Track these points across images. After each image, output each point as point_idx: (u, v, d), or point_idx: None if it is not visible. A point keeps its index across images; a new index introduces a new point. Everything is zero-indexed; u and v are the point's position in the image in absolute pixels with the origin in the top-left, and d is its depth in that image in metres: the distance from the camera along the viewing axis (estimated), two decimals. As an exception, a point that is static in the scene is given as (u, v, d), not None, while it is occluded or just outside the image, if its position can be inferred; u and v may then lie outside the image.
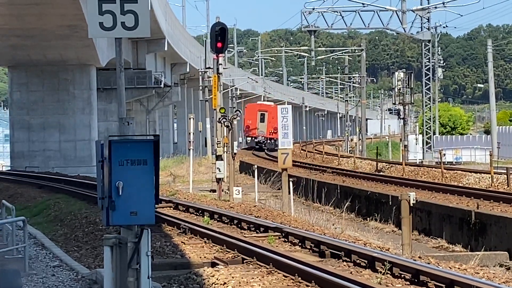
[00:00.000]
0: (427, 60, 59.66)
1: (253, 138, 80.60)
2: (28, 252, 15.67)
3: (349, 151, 77.83)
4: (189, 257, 16.17)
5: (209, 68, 56.83)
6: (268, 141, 78.22)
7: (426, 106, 61.29)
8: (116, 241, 8.64)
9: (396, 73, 56.37)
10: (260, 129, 79.75)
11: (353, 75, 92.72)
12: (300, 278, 13.08)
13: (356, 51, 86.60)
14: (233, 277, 13.17)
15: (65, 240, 21.05)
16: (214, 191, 34.36)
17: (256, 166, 37.39)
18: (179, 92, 76.21)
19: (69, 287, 13.48)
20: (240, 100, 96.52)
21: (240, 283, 12.83)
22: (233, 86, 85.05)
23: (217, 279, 13.24)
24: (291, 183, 28.41)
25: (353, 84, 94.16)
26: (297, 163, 50.18)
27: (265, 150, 75.48)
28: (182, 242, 18.07)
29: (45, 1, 36.57)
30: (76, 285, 13.55)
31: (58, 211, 27.35)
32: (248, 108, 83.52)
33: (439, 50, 72.89)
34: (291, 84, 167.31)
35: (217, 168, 32.48)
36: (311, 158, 66.49)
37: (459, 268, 14.21)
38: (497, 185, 32.14)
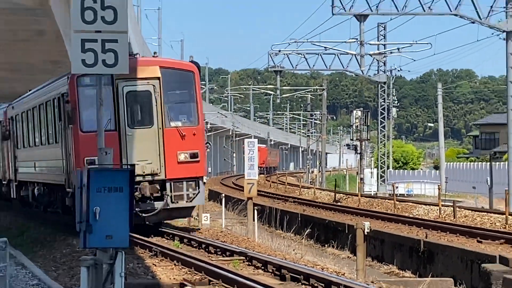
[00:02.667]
0: (383, 100, 60.47)
1: None
2: (9, 271, 15.43)
3: (310, 182, 78.07)
4: (160, 278, 16.06)
5: (182, 103, 56.84)
6: (259, 168, 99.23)
7: (381, 142, 61.81)
8: (92, 263, 8.71)
9: (354, 112, 56.74)
10: None
11: (315, 112, 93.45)
12: (262, 299, 13.09)
13: (318, 90, 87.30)
14: (200, 298, 13.17)
15: (44, 261, 20.78)
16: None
17: (223, 195, 37.41)
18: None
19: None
20: (210, 133, 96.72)
21: (206, 303, 12.82)
22: (204, 120, 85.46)
23: (185, 299, 13.19)
24: (255, 211, 28.43)
25: (315, 121, 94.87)
26: (261, 193, 50.24)
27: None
28: (153, 264, 17.96)
29: (31, 38, 36.13)
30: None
31: (38, 233, 27.07)
32: None
33: (394, 91, 73.66)
34: (258, 119, 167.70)
35: (188, 195, 32.33)
36: (275, 188, 66.67)
37: (408, 292, 14.32)
38: (444, 217, 32.29)
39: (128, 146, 21.81)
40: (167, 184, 22.02)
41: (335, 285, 13.89)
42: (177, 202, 22.18)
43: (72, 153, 22.11)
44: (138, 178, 21.14)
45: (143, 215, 21.74)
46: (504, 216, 27.31)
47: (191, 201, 22.53)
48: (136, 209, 21.03)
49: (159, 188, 21.99)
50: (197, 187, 22.51)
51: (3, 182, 35.35)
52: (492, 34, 34.22)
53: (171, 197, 22.04)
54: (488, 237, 23.04)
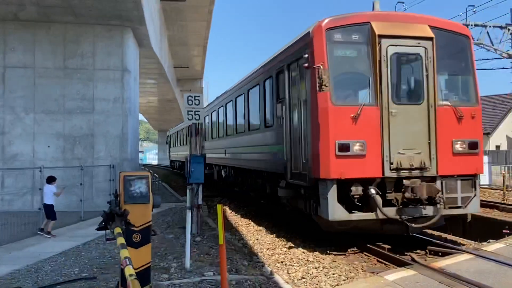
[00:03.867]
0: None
1: None
2: (161, 190, 32.86)
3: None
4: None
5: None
6: None
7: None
8: (191, 188, 15.40)
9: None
10: None
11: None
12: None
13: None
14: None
15: (173, 187, 38.68)
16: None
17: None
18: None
19: (175, 201, 28.14)
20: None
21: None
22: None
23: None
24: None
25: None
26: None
27: None
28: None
29: (170, 110, 72.59)
30: (176, 200, 28.38)
31: (171, 178, 48.33)
32: None
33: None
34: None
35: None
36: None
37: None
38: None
39: (391, 128, 14.47)
40: (438, 183, 14.71)
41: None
42: (449, 207, 14.92)
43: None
44: (403, 173, 14.45)
45: (412, 224, 14.39)
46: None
47: (465, 206, 15.07)
48: (402, 216, 14.28)
49: (439, 189, 14.50)
50: (473, 189, 15.15)
51: None
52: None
53: (444, 200, 14.62)
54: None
